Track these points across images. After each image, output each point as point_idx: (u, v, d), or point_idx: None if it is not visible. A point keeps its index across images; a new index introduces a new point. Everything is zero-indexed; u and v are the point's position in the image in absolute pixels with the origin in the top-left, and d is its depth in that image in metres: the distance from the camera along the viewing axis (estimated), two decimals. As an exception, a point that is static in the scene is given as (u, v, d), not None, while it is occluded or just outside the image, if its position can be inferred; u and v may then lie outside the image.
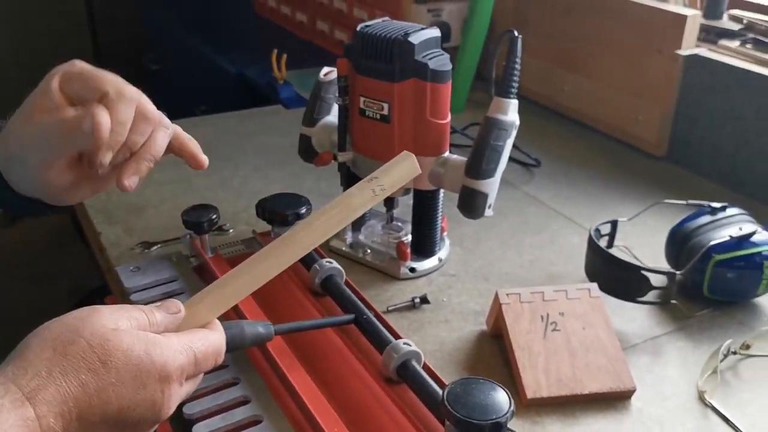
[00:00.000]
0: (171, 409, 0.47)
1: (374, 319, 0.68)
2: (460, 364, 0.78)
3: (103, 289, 1.70)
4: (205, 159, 0.64)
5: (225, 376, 0.63)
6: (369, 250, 0.95)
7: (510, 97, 0.83)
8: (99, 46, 2.98)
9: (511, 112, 0.84)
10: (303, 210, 0.80)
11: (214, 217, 0.79)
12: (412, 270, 0.93)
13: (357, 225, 0.99)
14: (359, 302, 0.70)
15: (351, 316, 0.68)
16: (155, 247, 0.96)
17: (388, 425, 0.60)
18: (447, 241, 0.98)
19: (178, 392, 0.47)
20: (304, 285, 0.77)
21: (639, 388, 0.73)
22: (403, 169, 0.59)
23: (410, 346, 0.64)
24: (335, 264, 0.75)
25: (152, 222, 1.03)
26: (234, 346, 0.62)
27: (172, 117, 1.45)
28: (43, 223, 2.09)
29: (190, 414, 0.59)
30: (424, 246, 0.94)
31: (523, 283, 0.93)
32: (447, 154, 0.88)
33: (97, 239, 1.00)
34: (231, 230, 1.00)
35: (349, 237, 0.97)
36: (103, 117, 0.56)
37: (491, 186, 0.84)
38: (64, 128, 0.57)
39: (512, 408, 0.53)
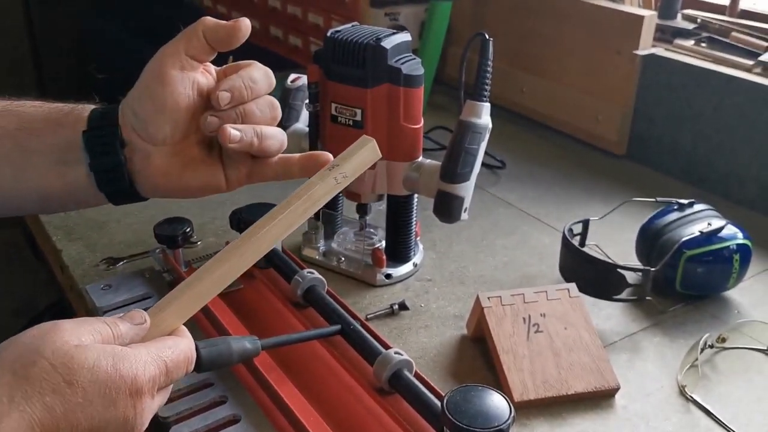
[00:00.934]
0: (145, 423, 0.45)
1: (361, 329, 0.67)
2: (445, 370, 0.77)
3: (55, 306, 1.63)
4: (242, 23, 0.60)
5: (212, 394, 0.61)
6: (343, 258, 0.94)
7: (483, 101, 0.83)
8: (40, 57, 2.88)
9: (484, 115, 0.84)
10: (279, 220, 0.78)
11: (188, 230, 0.77)
12: (388, 276, 0.92)
13: (329, 233, 0.97)
14: (344, 312, 0.69)
15: (337, 327, 0.67)
16: (121, 263, 0.93)
17: (384, 438, 0.59)
18: (420, 246, 0.97)
19: (150, 405, 0.45)
20: (286, 297, 0.75)
21: (621, 385, 0.74)
22: (364, 155, 0.58)
23: (401, 355, 0.63)
24: (317, 274, 0.74)
25: (116, 237, 1.00)
26: (221, 362, 0.60)
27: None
28: None
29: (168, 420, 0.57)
30: (399, 252, 0.93)
31: (499, 285, 0.93)
32: (421, 159, 0.88)
33: (58, 257, 0.96)
34: (199, 243, 0.98)
35: (322, 246, 0.96)
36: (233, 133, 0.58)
37: (467, 189, 0.84)
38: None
39: (513, 414, 0.53)
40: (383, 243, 0.95)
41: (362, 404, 0.62)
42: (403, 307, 0.86)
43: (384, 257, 0.91)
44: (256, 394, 0.62)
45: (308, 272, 0.74)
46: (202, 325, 0.71)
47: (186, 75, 0.58)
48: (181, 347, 0.48)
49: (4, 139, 0.57)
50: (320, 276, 0.74)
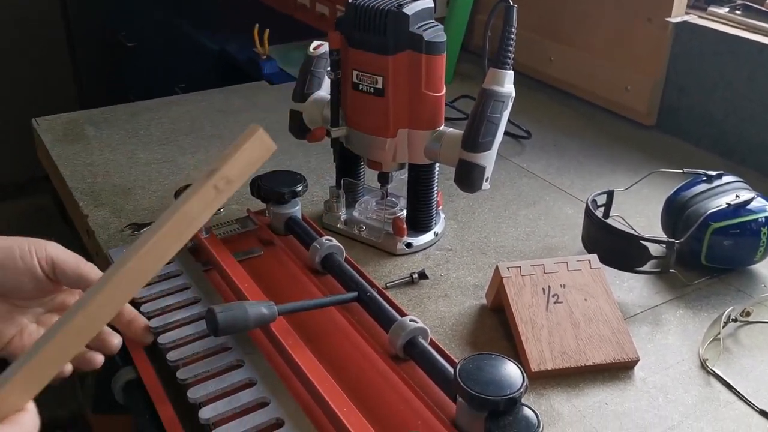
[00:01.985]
0: None
1: (378, 297, 0.67)
2: (462, 339, 0.77)
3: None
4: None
5: (229, 358, 0.62)
6: (364, 227, 0.94)
7: (506, 68, 0.82)
8: (71, 24, 2.91)
9: (507, 83, 0.82)
10: (299, 187, 0.79)
11: (209, 196, 0.77)
12: (409, 245, 0.91)
13: (351, 202, 0.97)
14: (361, 280, 0.69)
15: (354, 294, 0.67)
16: (145, 229, 0.94)
17: (397, 403, 0.59)
18: (442, 216, 0.97)
19: None
20: (304, 264, 0.75)
21: (641, 357, 0.73)
22: (250, 151, 0.45)
23: (417, 322, 0.63)
24: (335, 242, 0.74)
25: (140, 203, 1.01)
26: (237, 327, 0.61)
27: (150, 96, 1.43)
28: (23, 205, 2.04)
29: (194, 398, 0.58)
30: (419, 221, 0.93)
31: (521, 256, 0.92)
32: (442, 127, 0.87)
33: (84, 222, 0.97)
34: (222, 210, 0.98)
35: (343, 214, 0.96)
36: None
37: (488, 159, 0.83)
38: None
39: (526, 383, 0.53)
40: (404, 212, 0.94)
41: (377, 371, 0.62)
42: (422, 275, 0.86)
43: (405, 226, 0.90)
44: (273, 359, 0.63)
45: (326, 239, 0.74)
46: (220, 290, 0.71)
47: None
48: (28, 425, 0.42)
49: None
50: (338, 243, 0.74)
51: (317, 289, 0.72)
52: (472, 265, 0.90)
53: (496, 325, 0.80)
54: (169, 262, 0.75)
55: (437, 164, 0.90)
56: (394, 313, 0.65)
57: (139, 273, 0.44)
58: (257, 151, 0.46)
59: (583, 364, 0.72)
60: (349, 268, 0.71)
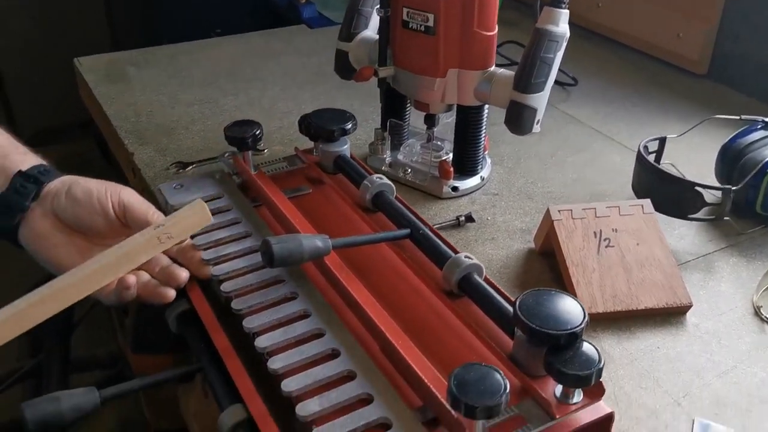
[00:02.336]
0: None
1: (431, 234, 0.66)
2: (510, 282, 0.76)
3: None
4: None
5: (282, 291, 0.62)
6: (409, 170, 0.93)
7: (561, 7, 0.79)
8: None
9: (561, 23, 0.80)
10: (349, 125, 0.78)
11: (258, 132, 0.76)
12: (455, 189, 0.91)
13: (396, 144, 0.96)
14: (413, 217, 0.68)
15: (407, 231, 0.67)
16: (190, 167, 0.94)
17: (450, 338, 0.59)
18: (488, 160, 0.95)
19: None
20: (354, 202, 0.75)
21: (694, 304, 0.72)
22: (193, 219, 0.60)
23: (471, 259, 0.62)
24: (386, 180, 0.73)
25: (184, 143, 1.01)
26: (291, 260, 0.60)
27: (186, 40, 1.41)
28: (65, 150, 2.05)
29: (250, 328, 0.59)
30: (466, 164, 0.92)
31: (568, 202, 0.90)
32: (493, 68, 0.85)
33: (130, 160, 0.98)
34: (266, 150, 0.98)
35: (388, 157, 0.95)
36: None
37: (540, 100, 0.81)
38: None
39: (587, 318, 0.52)
40: (450, 155, 0.93)
41: (431, 306, 0.62)
42: (469, 219, 0.85)
43: (451, 169, 0.89)
44: (326, 292, 0.62)
45: (378, 177, 0.73)
46: (271, 225, 0.71)
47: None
48: None
49: None
50: (389, 181, 0.73)
51: (368, 226, 0.71)
52: (519, 209, 0.89)
53: (544, 268, 0.79)
54: (218, 197, 0.75)
55: (486, 106, 0.88)
56: (448, 250, 0.64)
57: (79, 288, 0.55)
58: (197, 221, 0.61)
59: (634, 308, 0.71)
60: (400, 205, 0.70)
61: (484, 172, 0.94)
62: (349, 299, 0.60)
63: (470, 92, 0.85)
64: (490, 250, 0.82)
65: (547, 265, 0.79)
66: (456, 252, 0.64)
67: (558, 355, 0.50)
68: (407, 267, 0.66)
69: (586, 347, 0.51)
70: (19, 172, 0.64)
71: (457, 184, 0.91)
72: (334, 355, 0.56)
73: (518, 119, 0.82)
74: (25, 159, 0.66)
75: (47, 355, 1.62)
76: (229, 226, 0.71)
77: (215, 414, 0.62)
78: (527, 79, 0.80)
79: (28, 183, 0.64)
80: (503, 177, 0.96)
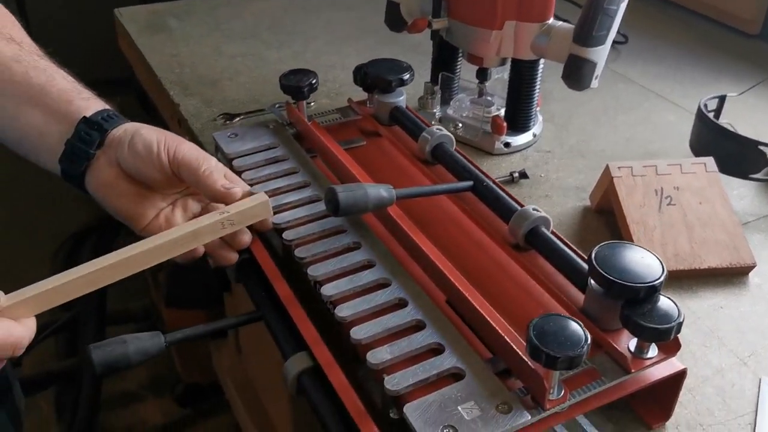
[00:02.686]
0: None
1: (495, 186, 0.65)
2: (568, 239, 0.75)
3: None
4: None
5: (345, 240, 0.61)
6: (460, 125, 0.91)
7: (626, -43, 0.77)
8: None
9: (625, -26, 0.77)
10: (406, 76, 0.76)
11: (314, 81, 0.75)
12: (507, 145, 0.89)
13: (446, 99, 0.94)
14: (476, 169, 0.67)
15: (470, 183, 0.66)
16: (238, 119, 0.93)
17: (518, 291, 0.58)
18: (540, 117, 0.94)
19: None
20: (412, 154, 0.73)
21: (757, 263, 0.70)
22: (256, 210, 0.61)
23: (539, 211, 0.61)
24: (445, 131, 0.72)
25: (229, 94, 0.99)
26: (357, 209, 0.59)
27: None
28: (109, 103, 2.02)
29: (314, 276, 0.58)
30: (519, 120, 0.90)
31: (621, 160, 0.89)
32: (551, 20, 0.83)
33: (176, 110, 0.97)
34: (312, 103, 0.97)
35: (437, 111, 0.93)
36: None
37: (601, 54, 0.79)
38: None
39: (665, 271, 0.51)
40: (502, 111, 0.91)
41: (496, 259, 0.61)
42: (523, 175, 0.84)
43: (504, 124, 0.88)
44: (388, 243, 0.62)
45: (437, 128, 0.72)
46: (328, 176, 0.70)
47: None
48: (15, 333, 0.51)
49: (25, 87, 0.64)
50: (448, 133, 0.72)
51: (427, 178, 0.70)
52: (572, 167, 0.88)
53: (601, 226, 0.78)
54: (273, 147, 0.74)
55: (542, 60, 0.86)
56: (513, 202, 0.63)
57: (146, 257, 0.57)
58: (259, 212, 0.61)
59: (697, 267, 0.69)
60: (461, 157, 0.69)
61: (536, 129, 0.92)
62: (414, 249, 0.59)
63: (527, 45, 0.83)
64: (545, 207, 0.80)
65: (604, 222, 0.78)
66: (521, 205, 0.63)
67: (636, 309, 0.49)
68: (470, 219, 0.65)
69: (664, 301, 0.50)
70: (83, 118, 0.63)
71: (509, 140, 0.89)
72: (400, 304, 0.56)
73: (577, 74, 0.80)
74: (89, 104, 0.65)
75: (84, 308, 1.64)
76: (287, 175, 0.70)
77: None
78: (588, 31, 0.78)
79: (92, 130, 0.63)
80: (555, 134, 0.94)
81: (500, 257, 0.61)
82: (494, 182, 0.66)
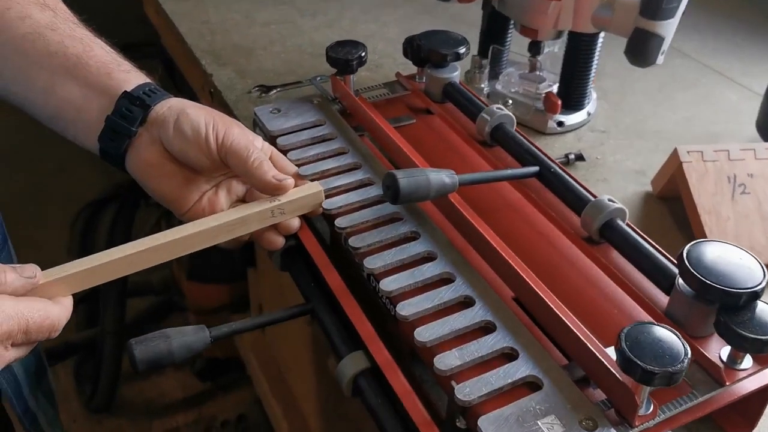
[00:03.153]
0: None
1: (563, 173, 0.60)
2: (630, 227, 0.70)
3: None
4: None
5: (402, 229, 0.57)
6: (510, 101, 0.86)
7: None
8: None
9: (701, -60, 0.71)
10: (462, 50, 0.71)
11: (363, 54, 0.70)
12: (560, 124, 0.84)
13: (494, 73, 0.89)
14: (541, 153, 0.62)
15: (535, 169, 0.61)
16: (274, 91, 0.88)
17: (592, 290, 0.54)
18: (594, 94, 0.88)
19: (2, 355, 0.46)
20: (469, 134, 0.68)
21: (836, 259, 0.65)
22: (308, 200, 0.59)
23: (615, 202, 0.56)
24: (506, 111, 0.66)
25: (264, 65, 0.94)
26: (418, 196, 0.55)
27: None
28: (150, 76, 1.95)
29: (371, 269, 0.53)
30: (573, 98, 0.84)
31: (682, 142, 0.83)
32: (615, -10, 0.77)
33: (208, 81, 0.92)
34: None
35: (485, 86, 0.88)
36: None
37: (669, 29, 0.73)
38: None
39: (767, 276, 0.46)
40: (555, 87, 0.86)
41: (567, 253, 0.56)
42: (579, 157, 0.79)
43: (559, 102, 0.82)
44: (448, 233, 0.57)
45: (497, 107, 0.66)
46: (379, 157, 0.65)
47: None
48: (52, 314, 0.48)
49: (61, 58, 0.59)
50: (509, 112, 0.66)
51: (486, 162, 0.65)
52: (630, 148, 0.82)
53: (665, 214, 0.73)
54: (319, 124, 0.69)
55: (601, 34, 0.80)
56: (585, 191, 0.58)
57: (192, 241, 0.55)
58: (311, 202, 0.59)
59: (774, 262, 0.64)
60: (524, 140, 0.64)
61: (590, 107, 0.86)
62: (479, 241, 0.54)
63: (587, 17, 0.77)
64: (603, 193, 0.75)
65: (668, 210, 0.73)
66: (594, 195, 0.58)
67: (734, 316, 0.45)
68: (535, 208, 0.60)
69: (763, 308, 0.46)
70: (124, 93, 0.59)
71: (562, 118, 0.84)
72: (467, 303, 0.51)
73: (643, 49, 0.74)
74: (129, 77, 0.60)
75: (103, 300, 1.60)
76: (336, 156, 0.65)
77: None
78: (658, 3, 0.72)
79: (134, 106, 0.58)
80: (609, 113, 0.88)
81: (571, 251, 0.56)
82: (561, 168, 0.61)
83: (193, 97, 1.03)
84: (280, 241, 0.60)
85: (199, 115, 0.58)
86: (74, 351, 1.73)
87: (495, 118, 0.66)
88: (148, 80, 0.62)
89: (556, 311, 0.48)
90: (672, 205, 0.73)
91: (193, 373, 1.73)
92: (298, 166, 0.63)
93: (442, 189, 0.55)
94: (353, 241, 0.56)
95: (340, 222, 0.57)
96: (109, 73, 0.60)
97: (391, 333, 0.53)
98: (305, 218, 0.61)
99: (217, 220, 0.56)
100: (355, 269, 0.56)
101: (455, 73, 0.72)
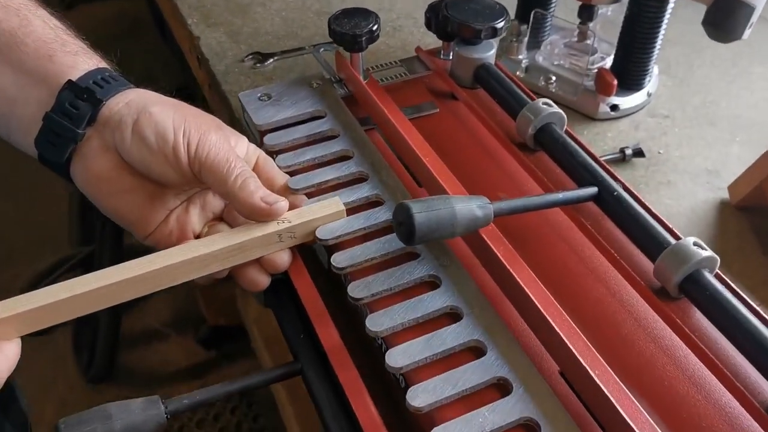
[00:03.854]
0: None
1: (628, 198, 0.46)
2: (702, 249, 0.57)
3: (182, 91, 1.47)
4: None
5: (419, 270, 0.44)
6: (553, 78, 0.71)
7: None
8: None
9: None
10: (500, 23, 0.56)
11: (375, 27, 0.55)
12: (614, 108, 0.69)
13: (534, 42, 0.74)
14: (600, 169, 0.48)
15: (592, 191, 0.47)
16: (271, 60, 0.74)
17: (671, 366, 0.41)
18: (655, 70, 0.73)
19: None
20: (504, 132, 0.54)
21: None
22: (324, 221, 0.46)
23: (704, 249, 0.42)
24: (555, 107, 0.52)
25: (262, 26, 0.80)
26: (440, 234, 0.42)
27: None
28: (115, 6, 1.78)
29: (376, 332, 0.41)
30: (630, 75, 0.70)
31: (765, 132, 0.69)
32: (695, -55, 0.61)
33: (195, 46, 0.78)
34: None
35: (524, 58, 0.73)
36: None
37: (762, -3, 0.58)
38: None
39: None
40: (608, 61, 0.71)
41: (634, 312, 0.43)
42: (638, 153, 0.65)
43: (614, 82, 0.67)
44: (478, 276, 0.44)
45: (544, 103, 0.52)
46: (393, 163, 0.52)
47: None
48: None
49: None
50: (560, 110, 0.52)
51: (525, 169, 0.51)
52: (699, 140, 0.68)
53: (744, 230, 0.59)
54: (318, 116, 0.55)
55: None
56: (659, 227, 0.44)
57: (178, 273, 0.44)
58: (329, 220, 0.47)
59: None
60: (577, 147, 0.50)
61: (651, 86, 0.71)
62: (518, 295, 0.41)
63: (657, -21, 0.62)
64: (668, 199, 0.62)
65: (748, 224, 0.59)
66: (672, 232, 0.44)
67: None
68: (591, 241, 0.46)
69: None
70: (69, 82, 0.45)
71: (617, 101, 0.69)
72: (502, 387, 0.39)
73: (728, 20, 0.59)
74: (77, 62, 0.47)
75: (99, 243, 1.50)
76: (337, 162, 0.51)
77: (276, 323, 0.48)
78: (752, -37, 0.56)
79: (81, 101, 0.45)
80: (673, 92, 0.73)
81: (639, 307, 0.43)
82: (628, 191, 0.47)
83: (181, 58, 0.89)
84: (263, 281, 0.47)
85: (166, 116, 0.45)
86: (72, 315, 1.64)
87: (540, 117, 0.51)
88: (102, 64, 0.48)
89: (626, 416, 0.35)
90: (754, 218, 0.59)
91: (197, 341, 1.64)
92: (289, 174, 0.50)
93: (471, 224, 0.42)
94: (354, 289, 0.43)
95: (338, 260, 0.45)
96: (50, 55, 0.47)
97: (403, 417, 0.40)
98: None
99: (208, 246, 0.44)
100: (360, 316, 0.43)
101: (490, 53, 0.57)
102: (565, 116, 0.52)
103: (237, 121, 0.66)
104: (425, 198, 0.42)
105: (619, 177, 0.49)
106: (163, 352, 1.65)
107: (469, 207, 0.42)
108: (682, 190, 0.63)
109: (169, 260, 0.44)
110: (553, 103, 0.52)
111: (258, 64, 0.73)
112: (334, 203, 0.47)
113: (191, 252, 0.44)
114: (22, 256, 1.64)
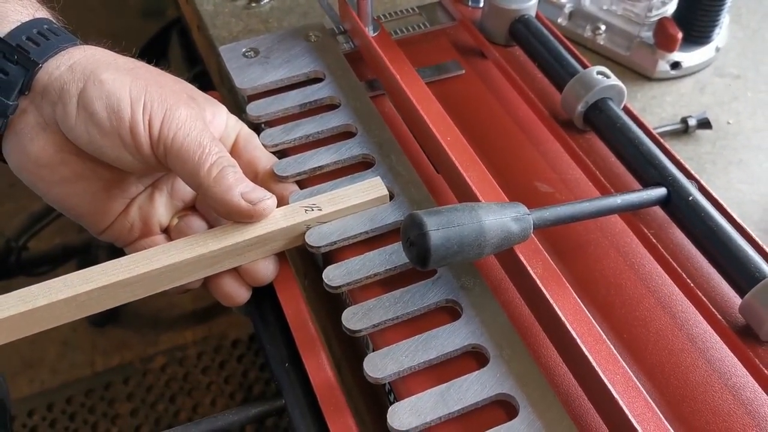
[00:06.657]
0: None
1: (705, 202, 0.36)
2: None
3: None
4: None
5: (433, 294, 0.34)
6: (602, 28, 0.60)
7: None
8: None
9: None
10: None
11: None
12: (675, 65, 0.58)
13: (581, -18, 0.62)
14: (670, 164, 0.38)
15: (661, 192, 0.36)
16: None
17: (737, 413, 0.32)
18: (726, 19, 0.61)
19: None
20: (545, 105, 0.44)
21: None
22: (364, 206, 0.38)
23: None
24: (614, 79, 0.41)
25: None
26: (463, 256, 0.32)
27: None
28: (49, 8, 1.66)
29: (377, 378, 0.32)
30: (696, 27, 0.58)
31: None
32: None
33: (180, -21, 0.67)
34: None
35: (567, 2, 0.61)
36: None
37: None
38: None
39: None
40: (669, 7, 0.59)
41: (707, 354, 0.34)
42: (704, 124, 0.54)
43: (679, 35, 0.56)
44: (509, 302, 0.34)
45: (598, 72, 0.41)
46: (404, 142, 0.42)
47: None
48: None
49: None
50: (619, 83, 0.41)
51: (572, 156, 0.41)
52: (777, 107, 0.57)
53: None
54: (316, 79, 0.45)
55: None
56: (750, 250, 0.34)
57: (186, 272, 0.37)
58: (369, 206, 0.38)
59: None
60: (643, 135, 0.39)
61: (720, 40, 0.60)
62: (563, 339, 0.32)
63: None
64: (739, 183, 0.51)
65: (838, 220, 0.49)
66: (759, 249, 0.34)
67: None
68: (655, 258, 0.37)
69: None
70: None
71: (680, 57, 0.58)
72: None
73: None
74: (7, 11, 0.37)
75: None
76: (337, 142, 0.41)
77: None
78: None
79: (10, 63, 0.35)
80: (745, 45, 0.62)
81: (715, 350, 0.34)
82: (702, 187, 0.37)
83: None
84: (242, 294, 0.38)
85: (122, 85, 0.36)
86: (73, 255, 1.58)
87: (595, 91, 0.41)
88: (40, 14, 0.38)
89: None
90: None
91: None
92: (278, 155, 0.40)
93: (504, 242, 0.32)
94: (351, 319, 0.34)
95: (331, 275, 0.35)
96: None
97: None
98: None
99: (219, 240, 0.36)
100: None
101: (531, 2, 0.46)
102: (625, 90, 0.42)
103: (226, 84, 0.56)
104: (444, 208, 0.32)
105: (683, 163, 0.39)
106: (169, 296, 1.59)
107: (502, 220, 0.32)
108: (756, 172, 0.52)
109: (175, 257, 0.36)
110: (610, 74, 0.41)
111: (253, 3, 0.62)
112: (374, 185, 0.38)
113: (199, 247, 0.36)
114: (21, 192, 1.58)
